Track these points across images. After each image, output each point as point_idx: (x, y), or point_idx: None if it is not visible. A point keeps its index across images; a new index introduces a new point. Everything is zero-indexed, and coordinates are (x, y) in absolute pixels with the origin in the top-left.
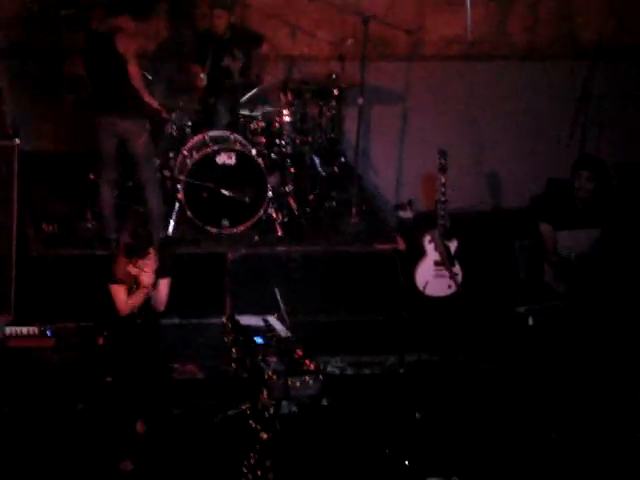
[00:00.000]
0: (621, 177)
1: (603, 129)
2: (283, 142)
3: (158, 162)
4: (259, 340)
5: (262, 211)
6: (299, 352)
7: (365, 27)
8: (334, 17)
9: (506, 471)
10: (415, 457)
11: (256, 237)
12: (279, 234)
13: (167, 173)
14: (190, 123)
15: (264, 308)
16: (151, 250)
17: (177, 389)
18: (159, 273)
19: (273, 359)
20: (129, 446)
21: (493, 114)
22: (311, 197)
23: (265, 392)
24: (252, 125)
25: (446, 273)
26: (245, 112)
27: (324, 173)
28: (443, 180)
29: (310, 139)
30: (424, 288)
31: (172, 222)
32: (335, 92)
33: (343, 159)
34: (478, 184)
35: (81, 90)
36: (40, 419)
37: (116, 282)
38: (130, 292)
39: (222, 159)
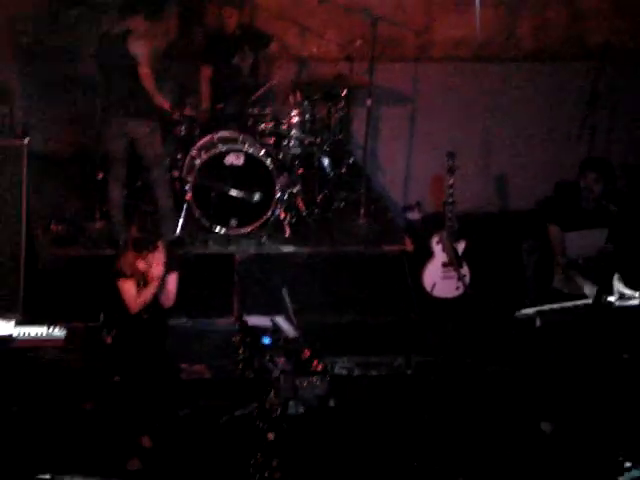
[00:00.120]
0: (629, 178)
1: (612, 131)
2: (291, 143)
3: (167, 162)
4: (267, 340)
5: (270, 212)
6: (307, 353)
7: (373, 28)
8: (343, 18)
9: (512, 473)
10: (422, 458)
11: (264, 238)
12: (287, 235)
13: (175, 174)
14: (199, 123)
15: (272, 308)
16: (160, 243)
17: (185, 389)
18: (167, 267)
19: (281, 359)
20: (136, 446)
21: (501, 115)
22: (319, 198)
23: (272, 392)
24: (261, 126)
25: (454, 274)
26: (254, 112)
27: (332, 174)
28: (451, 181)
29: (318, 140)
30: (432, 289)
31: (180, 222)
32: (344, 93)
33: (351, 160)
34: (486, 186)
35: (92, 91)
36: (48, 418)
37: (125, 277)
38: (138, 288)
39: (230, 160)
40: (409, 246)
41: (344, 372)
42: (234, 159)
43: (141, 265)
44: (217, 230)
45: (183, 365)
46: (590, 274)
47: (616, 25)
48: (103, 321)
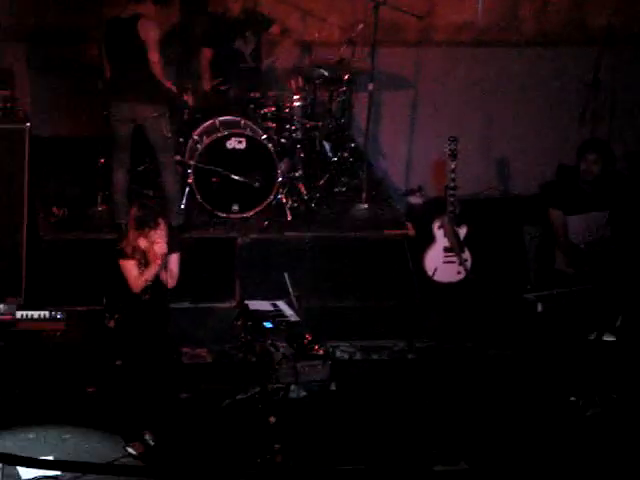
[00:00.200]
0: (631, 164)
1: (613, 115)
2: (293, 127)
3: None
4: (268, 325)
5: (272, 196)
6: (308, 337)
7: (376, 12)
8: (345, 2)
9: (513, 457)
10: (423, 442)
11: (266, 222)
12: (289, 219)
13: (178, 158)
14: (199, 106)
15: (273, 293)
16: (161, 220)
17: (186, 373)
18: (170, 247)
19: (282, 344)
20: (139, 429)
21: (503, 100)
22: (321, 182)
23: (274, 377)
24: (262, 110)
25: (455, 259)
26: (256, 96)
27: (334, 158)
28: (453, 166)
29: (320, 124)
30: (433, 274)
31: (182, 206)
32: (345, 77)
33: (353, 144)
34: (488, 170)
35: (98, 75)
36: (50, 402)
37: (126, 257)
38: (140, 268)
39: (232, 144)
40: (411, 231)
41: (345, 356)
42: (236, 143)
43: (142, 243)
44: (219, 214)
45: (185, 349)
46: (592, 257)
47: (618, 9)
48: (105, 305)
